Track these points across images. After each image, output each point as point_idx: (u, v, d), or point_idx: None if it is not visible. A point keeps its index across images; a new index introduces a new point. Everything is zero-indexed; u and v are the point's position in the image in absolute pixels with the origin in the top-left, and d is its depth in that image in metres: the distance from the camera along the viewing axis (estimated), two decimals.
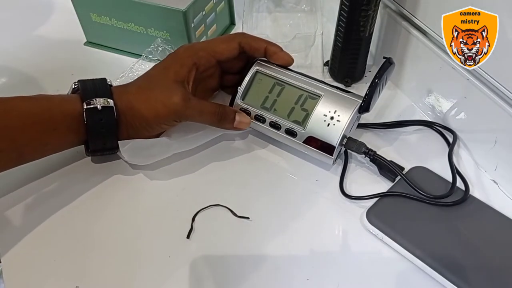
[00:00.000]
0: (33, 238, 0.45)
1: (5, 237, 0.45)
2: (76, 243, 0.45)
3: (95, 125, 0.45)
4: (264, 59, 0.52)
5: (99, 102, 0.45)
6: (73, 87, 0.48)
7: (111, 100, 0.45)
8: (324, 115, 0.47)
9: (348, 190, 0.48)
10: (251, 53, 0.51)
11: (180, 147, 0.50)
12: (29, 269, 0.42)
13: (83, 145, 0.48)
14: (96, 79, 0.48)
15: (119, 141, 0.47)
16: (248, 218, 0.46)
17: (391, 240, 0.43)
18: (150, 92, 0.47)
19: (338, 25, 0.56)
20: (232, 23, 0.72)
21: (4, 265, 0.42)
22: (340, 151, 0.50)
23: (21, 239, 0.44)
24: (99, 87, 0.47)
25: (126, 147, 0.47)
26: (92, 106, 0.45)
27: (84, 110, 0.44)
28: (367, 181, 0.49)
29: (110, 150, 0.48)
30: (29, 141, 0.44)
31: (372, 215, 0.45)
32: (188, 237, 0.45)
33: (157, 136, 0.50)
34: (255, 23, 0.66)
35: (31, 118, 0.43)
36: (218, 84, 0.54)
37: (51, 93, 0.60)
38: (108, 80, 0.48)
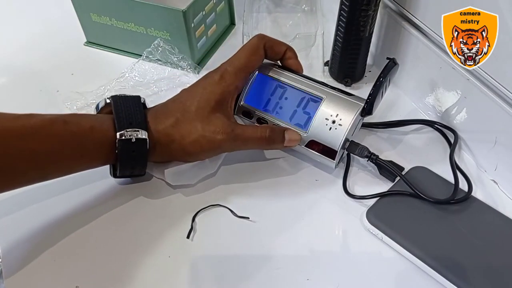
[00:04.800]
0: (33, 238, 0.45)
1: (5, 237, 0.45)
2: (76, 243, 0.45)
3: (126, 156, 0.44)
4: (267, 60, 0.52)
5: (133, 135, 0.43)
6: (106, 101, 0.46)
7: (145, 132, 0.44)
8: (326, 118, 0.47)
9: (350, 190, 0.48)
10: (271, 57, 0.51)
11: (219, 159, 0.50)
12: (29, 269, 0.42)
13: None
14: (130, 98, 0.46)
15: (165, 170, 0.47)
16: (248, 218, 0.46)
17: (391, 240, 0.43)
18: (191, 126, 0.45)
19: (338, 25, 0.56)
20: (232, 23, 0.72)
21: (4, 265, 0.42)
22: (342, 155, 0.50)
23: (21, 239, 0.44)
24: (133, 112, 0.45)
25: (170, 174, 0.47)
26: (125, 138, 0.43)
27: (116, 140, 0.43)
28: (368, 181, 0.49)
29: (136, 176, 0.48)
30: (54, 164, 0.42)
31: (372, 215, 0.45)
32: (188, 237, 0.45)
33: None
34: (255, 23, 0.66)
35: (58, 143, 0.42)
36: None
37: (51, 93, 0.61)
38: (142, 98, 0.47)
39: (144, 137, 0.44)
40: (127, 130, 0.43)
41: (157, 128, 0.45)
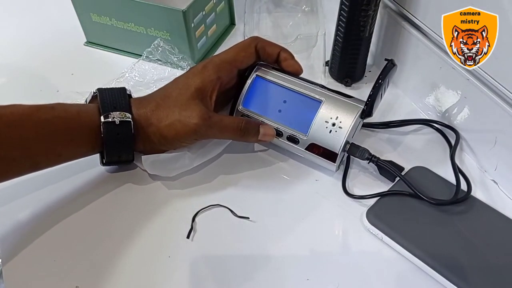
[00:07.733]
0: (33, 238, 0.45)
1: (5, 237, 0.45)
2: (76, 243, 0.45)
3: (112, 138, 0.45)
4: (264, 63, 0.51)
5: (117, 116, 0.44)
6: (92, 94, 0.48)
7: (129, 115, 0.45)
8: (325, 121, 0.47)
9: (349, 190, 0.48)
10: (264, 58, 0.51)
11: (201, 158, 0.50)
12: (29, 269, 0.42)
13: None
14: (116, 88, 0.48)
15: (142, 156, 0.47)
16: (248, 218, 0.46)
17: (391, 240, 0.43)
18: (169, 110, 0.46)
19: (338, 25, 0.56)
20: (232, 23, 0.72)
21: (4, 265, 0.42)
22: (343, 157, 0.50)
23: (21, 239, 0.44)
24: (118, 98, 0.46)
25: (148, 161, 0.47)
26: (109, 120, 0.44)
27: (101, 123, 0.44)
28: (368, 182, 0.49)
29: (125, 163, 0.49)
30: (43, 151, 0.43)
31: (372, 215, 0.45)
32: (188, 237, 0.45)
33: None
34: (256, 24, 0.66)
35: (47, 128, 0.43)
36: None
37: (51, 93, 0.61)
38: (127, 89, 0.48)
39: (128, 119, 0.45)
40: (111, 113, 0.45)
41: (138, 112, 0.46)
